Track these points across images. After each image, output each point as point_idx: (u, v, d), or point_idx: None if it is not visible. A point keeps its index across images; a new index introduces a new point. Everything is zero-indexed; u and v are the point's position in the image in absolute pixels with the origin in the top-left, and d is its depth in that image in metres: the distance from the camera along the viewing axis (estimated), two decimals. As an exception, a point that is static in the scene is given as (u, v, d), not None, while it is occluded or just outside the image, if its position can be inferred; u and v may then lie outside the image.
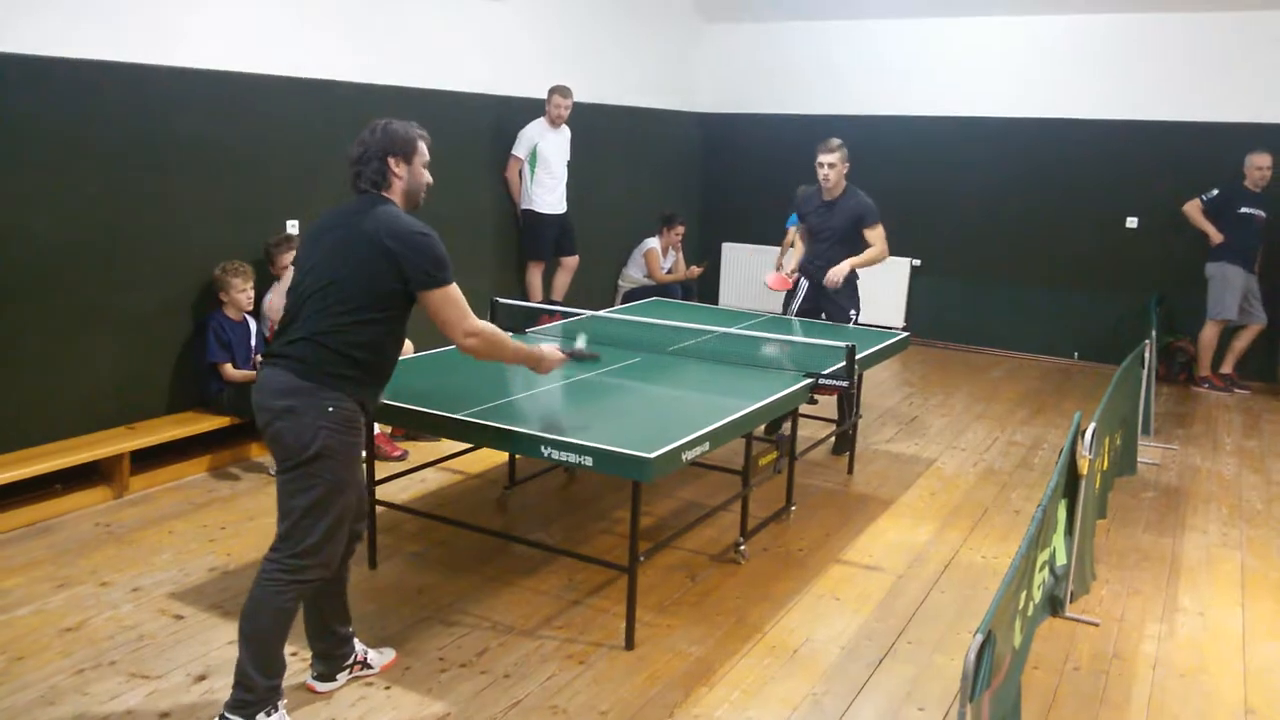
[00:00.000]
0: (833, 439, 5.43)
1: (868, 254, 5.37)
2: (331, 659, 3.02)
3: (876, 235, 5.37)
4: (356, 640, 3.10)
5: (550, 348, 3.26)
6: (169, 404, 4.88)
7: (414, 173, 2.82)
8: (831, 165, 5.28)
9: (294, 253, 4.74)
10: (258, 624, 2.67)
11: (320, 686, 3.01)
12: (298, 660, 3.10)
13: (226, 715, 2.69)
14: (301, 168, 5.35)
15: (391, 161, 2.77)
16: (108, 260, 4.54)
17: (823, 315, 5.57)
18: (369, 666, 3.11)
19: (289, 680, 2.88)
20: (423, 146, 2.85)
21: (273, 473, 3.51)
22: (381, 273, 2.66)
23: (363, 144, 2.78)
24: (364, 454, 2.85)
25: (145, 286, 4.72)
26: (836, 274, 5.32)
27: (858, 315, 5.56)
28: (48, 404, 4.39)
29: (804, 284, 5.62)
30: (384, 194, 2.78)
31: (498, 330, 2.90)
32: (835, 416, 5.52)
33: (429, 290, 2.71)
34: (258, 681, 2.67)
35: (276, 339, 2.77)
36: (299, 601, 2.73)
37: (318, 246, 2.76)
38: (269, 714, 2.71)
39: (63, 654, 3.15)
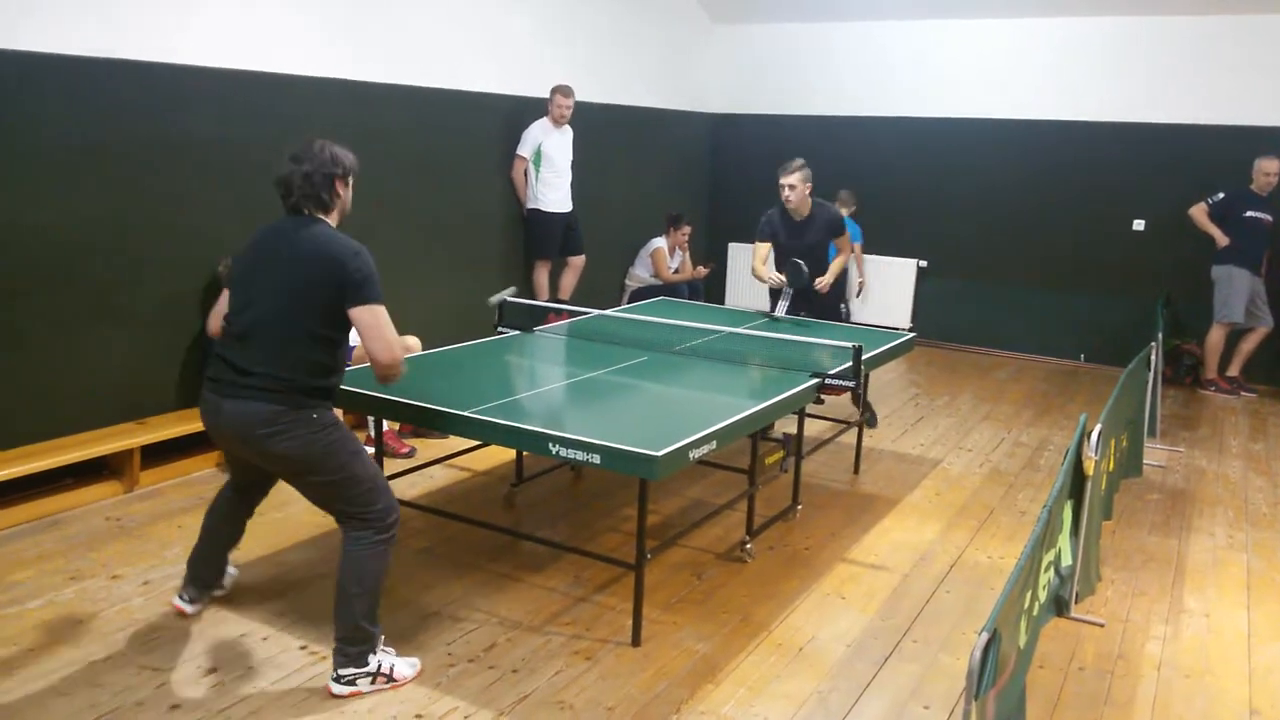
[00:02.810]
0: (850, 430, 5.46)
1: (838, 262, 5.66)
2: (208, 587, 3.41)
3: (843, 241, 5.70)
4: None
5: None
6: (178, 399, 4.91)
7: (349, 194, 3.00)
8: (792, 186, 5.42)
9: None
10: (365, 584, 2.93)
11: (190, 609, 3.36)
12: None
13: (341, 674, 2.93)
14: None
15: (338, 184, 2.92)
16: (117, 257, 4.56)
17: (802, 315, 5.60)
18: (222, 586, 3.49)
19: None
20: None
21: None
22: (332, 295, 2.80)
23: (311, 163, 2.86)
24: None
25: (154, 283, 4.75)
26: (828, 280, 5.55)
27: (848, 309, 5.78)
28: (58, 399, 4.42)
29: (787, 291, 5.66)
30: (323, 215, 2.92)
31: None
32: (842, 417, 5.56)
33: (363, 306, 2.82)
34: (369, 629, 2.96)
35: (230, 363, 2.87)
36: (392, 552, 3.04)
37: (271, 270, 2.87)
38: (383, 651, 3.02)
39: (74, 646, 3.18)
